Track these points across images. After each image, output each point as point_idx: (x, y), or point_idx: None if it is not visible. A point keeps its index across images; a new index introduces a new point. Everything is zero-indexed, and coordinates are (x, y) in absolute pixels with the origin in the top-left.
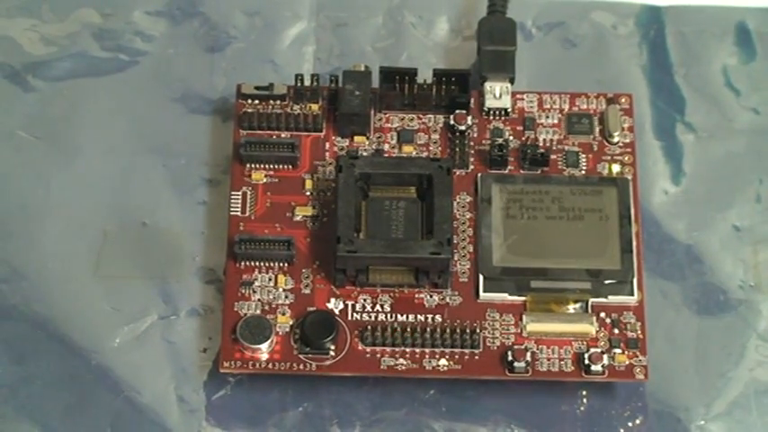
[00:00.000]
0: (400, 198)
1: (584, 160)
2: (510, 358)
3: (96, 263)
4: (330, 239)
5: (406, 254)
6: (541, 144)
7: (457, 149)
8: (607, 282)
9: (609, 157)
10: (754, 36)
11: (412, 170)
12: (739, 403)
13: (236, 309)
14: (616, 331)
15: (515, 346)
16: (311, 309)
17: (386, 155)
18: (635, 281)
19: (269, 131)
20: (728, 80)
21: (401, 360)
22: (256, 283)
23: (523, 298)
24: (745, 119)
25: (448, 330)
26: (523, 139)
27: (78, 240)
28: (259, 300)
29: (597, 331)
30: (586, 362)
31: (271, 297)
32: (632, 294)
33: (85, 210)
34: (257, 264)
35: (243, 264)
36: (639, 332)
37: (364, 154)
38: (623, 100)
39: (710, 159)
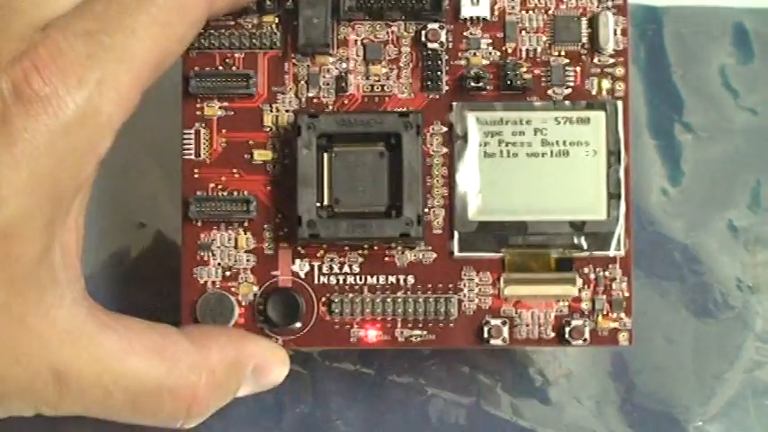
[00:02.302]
0: (366, 152)
1: (570, 76)
2: (486, 335)
3: (94, 263)
4: (292, 194)
5: (373, 234)
6: (524, 55)
7: (429, 72)
8: (592, 233)
9: (599, 70)
10: (752, 36)
11: (378, 128)
12: (737, 404)
13: (195, 275)
14: (600, 289)
15: (491, 320)
16: (273, 284)
17: (349, 103)
18: (623, 231)
19: (219, 50)
20: (726, 80)
21: (372, 331)
22: (215, 245)
23: (501, 254)
24: (743, 119)
25: (421, 296)
26: (503, 53)
27: None
28: (219, 264)
29: (580, 289)
30: (567, 336)
31: (231, 261)
32: (619, 247)
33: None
34: (215, 224)
35: (200, 222)
36: (625, 290)
37: (325, 111)
38: None
39: (708, 159)
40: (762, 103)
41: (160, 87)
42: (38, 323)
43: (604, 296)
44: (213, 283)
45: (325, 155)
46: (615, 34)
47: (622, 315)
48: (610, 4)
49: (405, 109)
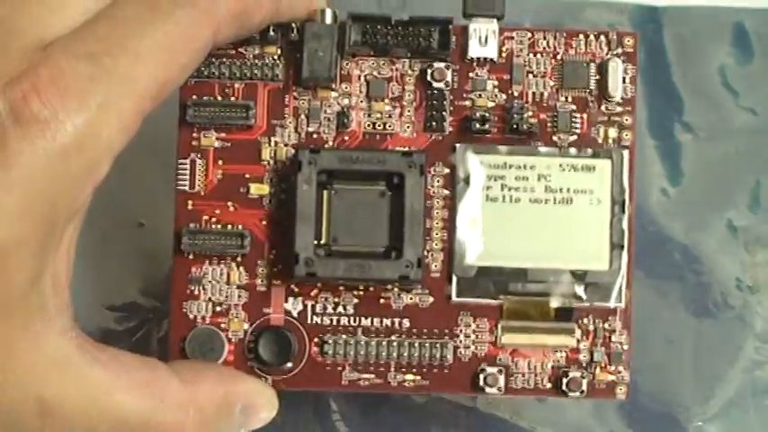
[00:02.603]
0: (367, 191)
1: (576, 122)
2: (482, 383)
3: (93, 263)
4: (288, 230)
5: (371, 276)
6: (530, 99)
7: (434, 112)
8: (593, 283)
9: (606, 118)
10: (752, 37)
11: (380, 167)
12: (737, 403)
13: (184, 309)
14: (599, 341)
15: (487, 368)
16: (265, 322)
17: (350, 140)
18: (624, 283)
19: (219, 80)
20: (726, 81)
21: (365, 375)
22: (206, 279)
23: (500, 301)
24: (743, 119)
25: (416, 340)
26: (509, 96)
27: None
28: (210, 299)
29: (579, 340)
30: (564, 387)
31: (222, 297)
32: (620, 299)
33: None
34: (207, 257)
35: (191, 255)
36: (625, 343)
37: (326, 147)
38: (627, 41)
39: (708, 159)
40: (762, 103)
41: None
42: (25, 351)
43: (603, 348)
44: (203, 318)
45: (325, 191)
46: (624, 82)
47: (620, 368)
48: (619, 51)
49: (408, 148)
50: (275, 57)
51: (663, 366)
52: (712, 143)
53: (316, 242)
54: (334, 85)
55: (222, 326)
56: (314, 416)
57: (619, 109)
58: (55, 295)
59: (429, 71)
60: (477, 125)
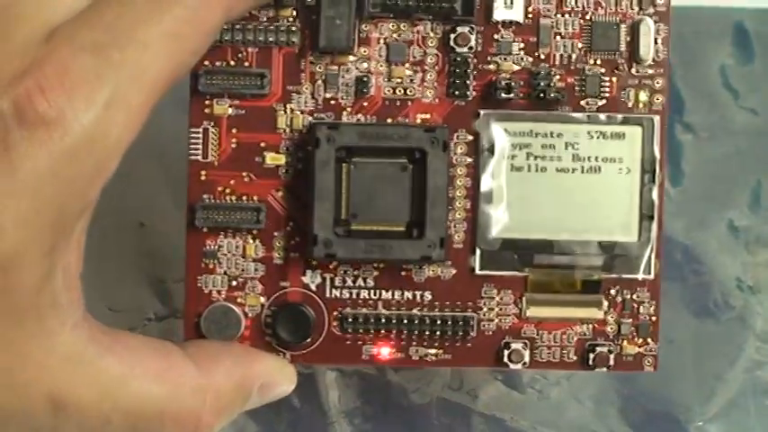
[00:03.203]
0: (388, 164)
1: (606, 86)
2: (506, 359)
3: (94, 263)
4: (305, 202)
5: (392, 256)
6: (557, 62)
7: (456, 78)
8: (621, 255)
9: (636, 81)
10: (752, 37)
11: (402, 143)
12: (737, 404)
13: (199, 284)
14: (627, 312)
15: (512, 343)
16: (282, 296)
17: (369, 106)
18: (653, 254)
19: (232, 45)
20: (727, 81)
21: (385, 348)
22: (221, 252)
23: (525, 273)
24: (744, 119)
25: (438, 313)
26: (536, 59)
27: None
28: (225, 273)
29: (606, 312)
30: (590, 361)
31: (238, 270)
32: (648, 271)
33: None
34: (222, 230)
35: (205, 229)
36: (653, 314)
37: (344, 122)
38: (660, 1)
39: (709, 159)
40: (762, 103)
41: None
42: (37, 351)
43: (630, 320)
44: (219, 292)
45: (344, 165)
46: (656, 43)
47: (649, 340)
48: (651, 10)
49: (430, 123)
50: (290, 20)
51: (663, 366)
52: (713, 143)
53: (336, 219)
54: (352, 51)
55: (239, 300)
56: (316, 414)
57: (650, 72)
58: (67, 290)
59: (452, 36)
60: (503, 93)
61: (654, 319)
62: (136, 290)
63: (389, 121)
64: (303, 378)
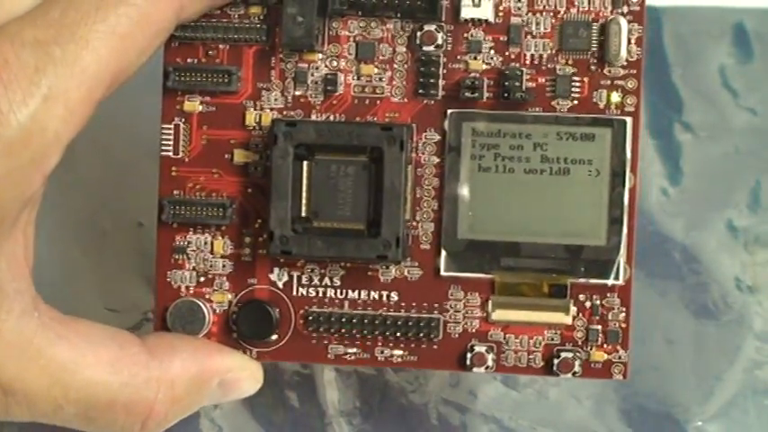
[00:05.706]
0: (349, 162)
1: (576, 86)
2: (469, 362)
3: (93, 263)
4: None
5: (348, 254)
6: (528, 62)
7: (424, 76)
8: (589, 259)
9: (608, 82)
10: (752, 36)
11: (359, 141)
12: (737, 403)
13: (168, 279)
14: (596, 318)
15: (476, 346)
16: (249, 293)
17: (338, 104)
18: (622, 260)
19: (203, 42)
20: (726, 80)
21: (351, 349)
22: (190, 248)
23: (491, 276)
24: (743, 119)
25: (404, 314)
26: (506, 58)
27: (75, 241)
28: (194, 269)
29: (575, 318)
30: (555, 368)
31: (207, 266)
32: (618, 277)
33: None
34: (191, 226)
35: (175, 224)
36: (623, 321)
37: (303, 119)
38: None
39: (708, 159)
40: (762, 103)
41: (160, 86)
42: None
43: (599, 326)
44: (187, 288)
45: (305, 162)
46: (629, 43)
47: (618, 347)
48: (625, 9)
49: (390, 122)
50: (260, 17)
51: (663, 366)
52: (712, 143)
53: (295, 216)
54: (319, 48)
55: (207, 296)
56: (315, 414)
57: (623, 72)
58: (13, 279)
59: (419, 34)
60: (468, 93)
61: (624, 326)
62: (134, 289)
63: (358, 119)
64: (302, 378)
